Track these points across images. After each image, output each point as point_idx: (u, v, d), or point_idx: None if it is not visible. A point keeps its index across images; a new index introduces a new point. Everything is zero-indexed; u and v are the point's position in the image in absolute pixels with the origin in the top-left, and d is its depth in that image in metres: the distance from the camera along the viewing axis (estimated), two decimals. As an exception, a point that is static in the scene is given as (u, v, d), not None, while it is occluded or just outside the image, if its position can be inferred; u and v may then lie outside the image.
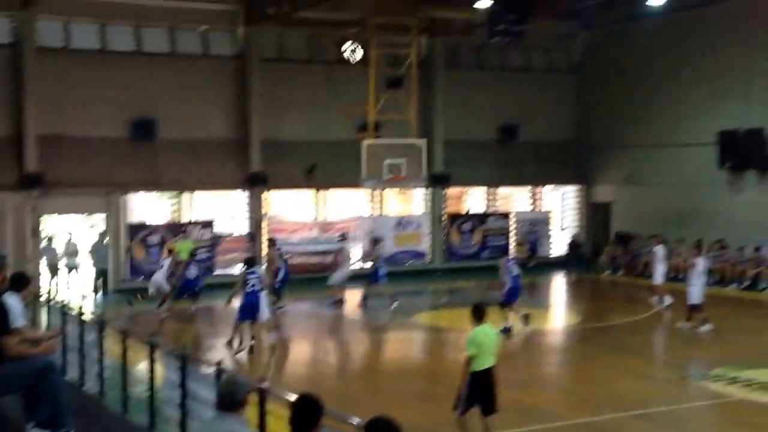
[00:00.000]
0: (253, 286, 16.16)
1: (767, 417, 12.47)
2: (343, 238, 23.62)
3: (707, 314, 18.51)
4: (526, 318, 18.56)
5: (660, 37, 28.20)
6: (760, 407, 12.77)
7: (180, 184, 26.12)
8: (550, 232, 31.21)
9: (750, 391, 13.54)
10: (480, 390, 10.18)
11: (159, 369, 10.68)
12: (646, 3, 25.21)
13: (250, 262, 17.00)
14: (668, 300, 21.11)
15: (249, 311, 16.19)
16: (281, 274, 20.57)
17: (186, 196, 26.41)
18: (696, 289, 18.60)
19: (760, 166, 25.00)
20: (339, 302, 22.34)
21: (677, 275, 23.65)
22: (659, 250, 21.69)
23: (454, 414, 10.32)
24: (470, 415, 10.33)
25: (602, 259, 28.85)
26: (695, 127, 27.00)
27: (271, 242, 22.07)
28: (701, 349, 17.18)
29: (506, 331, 17.59)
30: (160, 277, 19.87)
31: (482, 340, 10.24)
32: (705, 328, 18.29)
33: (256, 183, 26.76)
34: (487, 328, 10.42)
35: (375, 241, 23.94)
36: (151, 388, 10.53)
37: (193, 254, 22.23)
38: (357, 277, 22.95)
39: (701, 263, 19.02)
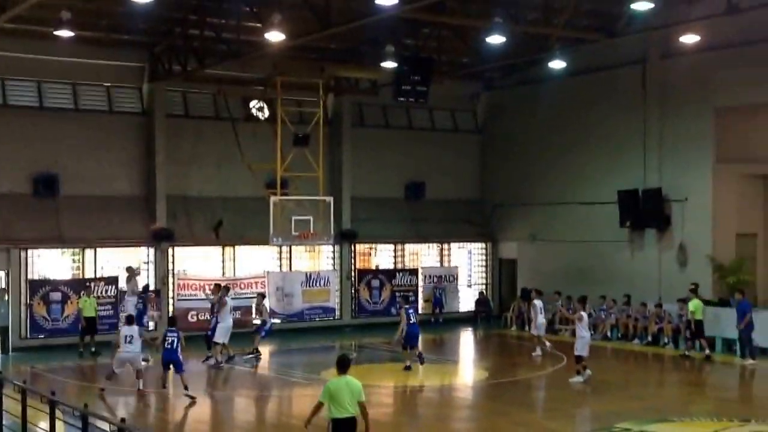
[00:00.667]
0: (171, 343, 17.78)
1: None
2: (225, 291, 23.05)
3: (586, 364, 18.99)
4: (408, 368, 20.64)
5: (561, 99, 29.11)
6: (664, 459, 12.95)
7: (83, 240, 25.47)
8: (458, 288, 31.45)
9: (654, 444, 13.75)
10: None
11: (60, 428, 10.24)
12: (548, 65, 25.99)
13: (172, 321, 18.69)
14: (540, 351, 22.83)
15: (168, 364, 18.00)
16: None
17: (89, 252, 25.75)
18: (582, 342, 18.97)
19: (659, 224, 25.81)
20: (230, 358, 21.94)
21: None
22: (538, 303, 23.06)
23: None
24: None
25: (508, 315, 29.20)
26: (596, 186, 27.80)
27: (261, 296, 23.79)
28: (607, 404, 17.40)
29: (408, 368, 20.60)
30: None
31: (335, 391, 10.67)
32: (577, 379, 18.75)
33: (161, 239, 26.28)
34: (346, 379, 10.82)
35: (261, 296, 23.92)
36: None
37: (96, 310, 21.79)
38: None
39: (585, 317, 19.46)
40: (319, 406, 10.82)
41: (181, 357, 17.89)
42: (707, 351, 22.27)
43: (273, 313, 27.21)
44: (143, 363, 18.83)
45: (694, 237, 25.08)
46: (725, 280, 24.15)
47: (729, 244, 25.06)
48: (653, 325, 24.85)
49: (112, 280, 25.33)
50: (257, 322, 23.45)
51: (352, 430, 10.75)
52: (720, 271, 24.46)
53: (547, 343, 23.08)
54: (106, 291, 25.11)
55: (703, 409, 16.78)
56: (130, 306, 22.70)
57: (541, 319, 23.02)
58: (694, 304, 22.52)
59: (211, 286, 24.11)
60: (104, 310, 24.77)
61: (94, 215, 25.58)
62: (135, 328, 18.48)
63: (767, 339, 22.25)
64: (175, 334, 17.88)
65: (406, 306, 21.62)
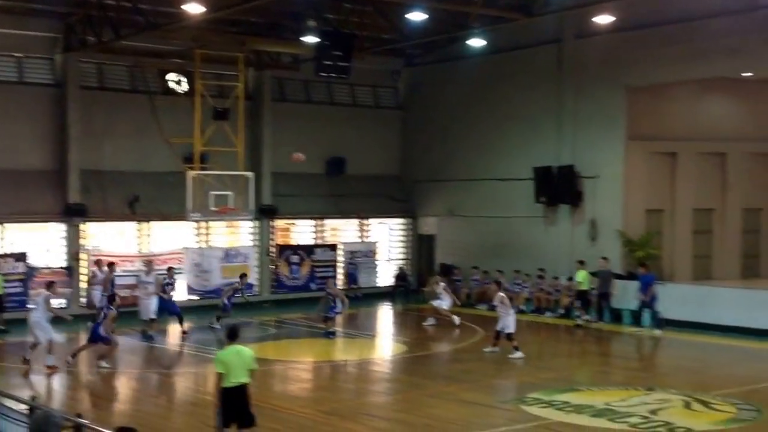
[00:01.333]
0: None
1: (581, 437, 13.11)
2: (149, 269, 22.97)
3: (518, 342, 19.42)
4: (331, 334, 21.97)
5: (480, 77, 29.47)
6: (575, 429, 13.38)
7: (-8, 215, 24.80)
8: (377, 264, 31.68)
9: (565, 414, 14.20)
10: (232, 405, 11.03)
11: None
12: (467, 43, 26.27)
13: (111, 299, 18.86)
14: (432, 320, 24.33)
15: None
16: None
17: (-1, 228, 25.11)
18: (510, 319, 19.39)
19: (572, 200, 26.44)
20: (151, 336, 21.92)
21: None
22: (440, 282, 24.58)
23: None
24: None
25: (427, 289, 29.57)
26: (513, 162, 28.29)
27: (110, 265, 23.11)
28: (519, 375, 17.89)
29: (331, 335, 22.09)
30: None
31: (229, 359, 11.06)
32: (518, 355, 19.13)
33: (73, 214, 25.77)
34: (237, 347, 11.21)
35: (169, 270, 23.69)
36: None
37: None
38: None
39: (504, 297, 19.90)
40: (220, 378, 11.08)
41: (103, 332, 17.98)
42: (587, 317, 23.67)
43: (192, 290, 27.20)
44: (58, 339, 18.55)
45: (605, 212, 25.81)
46: (634, 254, 24.93)
47: (638, 219, 25.86)
48: (565, 298, 25.56)
49: (22, 257, 24.68)
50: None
51: (242, 398, 11.06)
52: (629, 245, 25.24)
53: (431, 319, 24.36)
54: (15, 268, 24.43)
55: (610, 379, 17.45)
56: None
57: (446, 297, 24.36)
58: (581, 275, 23.60)
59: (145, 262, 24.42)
60: (13, 287, 24.18)
61: (2, 190, 24.82)
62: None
63: (672, 311, 23.16)
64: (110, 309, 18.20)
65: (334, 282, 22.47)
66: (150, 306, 22.25)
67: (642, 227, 25.75)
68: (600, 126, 26.00)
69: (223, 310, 23.36)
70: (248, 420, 11.13)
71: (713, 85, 26.19)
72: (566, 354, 21.55)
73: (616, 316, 24.22)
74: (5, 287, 23.64)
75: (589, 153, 26.19)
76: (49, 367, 17.62)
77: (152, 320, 22.22)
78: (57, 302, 21.92)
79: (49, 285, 19.61)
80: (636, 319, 23.39)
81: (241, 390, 11.03)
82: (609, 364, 19.93)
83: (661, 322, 22.79)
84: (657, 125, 25.90)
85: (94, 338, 18.13)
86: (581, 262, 24.26)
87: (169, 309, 22.80)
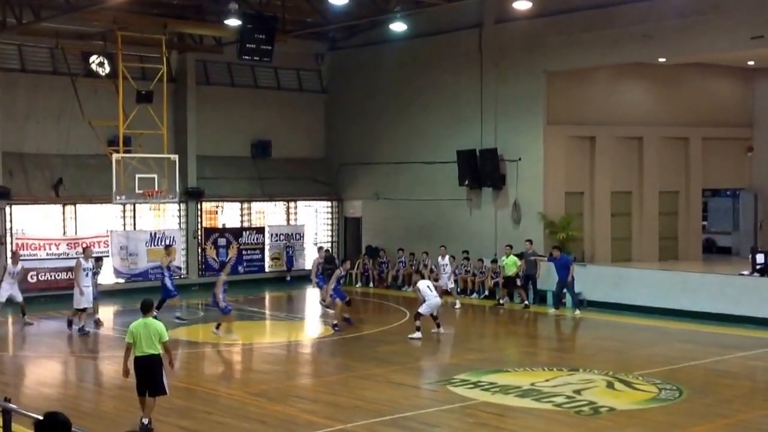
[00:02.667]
0: None
1: (507, 418, 13.42)
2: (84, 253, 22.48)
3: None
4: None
5: (403, 61, 29.76)
6: (501, 409, 13.72)
7: None
8: (304, 246, 31.88)
9: (492, 394, 14.55)
10: (141, 374, 11.95)
11: None
12: (390, 28, 26.52)
13: None
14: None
15: None
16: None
17: None
18: (433, 304, 19.81)
19: (495, 183, 27.00)
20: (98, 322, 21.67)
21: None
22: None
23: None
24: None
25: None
26: (437, 146, 28.70)
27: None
28: (447, 357, 18.34)
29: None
30: None
31: (137, 330, 11.98)
32: (417, 335, 19.57)
33: (-5, 198, 25.37)
34: (148, 320, 12.12)
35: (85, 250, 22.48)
36: None
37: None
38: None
39: (426, 284, 20.25)
40: (128, 348, 12.08)
41: None
42: (526, 302, 24.34)
43: (118, 273, 27.01)
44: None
45: (527, 195, 26.40)
46: (556, 236, 25.63)
47: (559, 202, 26.51)
48: (489, 279, 26.17)
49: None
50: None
51: (151, 367, 11.90)
52: (551, 227, 25.93)
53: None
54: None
55: (536, 360, 17.97)
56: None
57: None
58: (509, 261, 24.43)
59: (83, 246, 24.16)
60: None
61: None
62: None
63: (592, 292, 23.93)
64: None
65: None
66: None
67: (563, 210, 26.42)
68: (521, 110, 26.52)
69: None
70: (156, 388, 11.94)
71: (630, 71, 27.02)
72: (492, 335, 22.10)
73: (541, 298, 24.86)
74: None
75: (511, 136, 26.72)
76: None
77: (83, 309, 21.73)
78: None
79: None
80: (557, 300, 24.02)
81: (148, 360, 11.88)
82: (533, 345, 20.46)
83: (581, 303, 23.53)
84: (576, 110, 26.60)
85: None
86: (509, 247, 24.80)
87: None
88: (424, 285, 20.09)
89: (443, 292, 23.03)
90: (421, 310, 19.80)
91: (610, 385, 15.21)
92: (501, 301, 24.67)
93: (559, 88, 26.15)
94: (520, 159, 26.50)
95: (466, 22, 27.55)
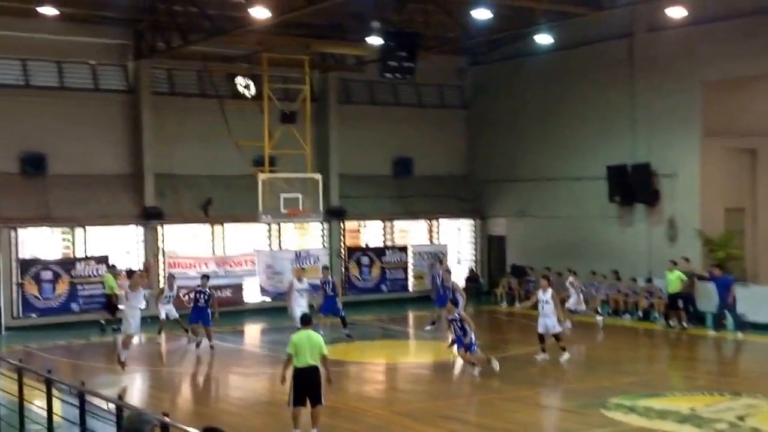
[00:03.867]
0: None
1: (665, 444, 12.73)
2: (205, 276, 22.15)
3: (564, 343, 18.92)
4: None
5: (548, 74, 29.01)
6: (658, 434, 13.02)
7: (72, 219, 25.38)
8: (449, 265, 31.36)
9: (648, 420, 13.80)
10: (301, 384, 12.16)
11: (57, 406, 10.21)
12: (534, 40, 25.87)
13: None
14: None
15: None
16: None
17: (79, 231, 25.61)
18: (551, 319, 18.73)
19: (647, 200, 25.83)
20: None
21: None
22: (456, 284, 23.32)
23: (288, 409, 12.32)
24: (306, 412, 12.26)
25: (498, 291, 29.24)
26: (585, 161, 27.76)
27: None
28: (598, 380, 17.44)
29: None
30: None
31: (299, 342, 12.24)
32: (543, 356, 18.71)
33: (150, 217, 26.18)
34: (308, 332, 12.37)
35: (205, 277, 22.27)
36: (50, 427, 10.05)
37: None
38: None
39: (547, 293, 19.01)
40: (288, 359, 12.36)
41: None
42: (683, 324, 22.86)
43: (264, 291, 27.35)
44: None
45: (683, 211, 25.14)
46: (714, 254, 24.23)
47: (717, 218, 25.14)
48: (643, 300, 24.96)
49: (103, 259, 25.25)
50: None
51: (311, 378, 12.16)
52: (709, 245, 24.53)
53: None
54: (97, 270, 25.03)
55: (694, 384, 16.93)
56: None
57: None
58: (673, 276, 22.98)
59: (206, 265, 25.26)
60: (95, 289, 24.85)
61: (81, 194, 25.49)
62: None
63: (756, 313, 22.45)
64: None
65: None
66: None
67: (721, 226, 25.01)
68: (675, 122, 25.36)
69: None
70: (316, 399, 12.19)
71: (792, 78, 25.35)
72: (646, 358, 21.01)
73: (699, 319, 23.51)
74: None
75: (664, 150, 25.56)
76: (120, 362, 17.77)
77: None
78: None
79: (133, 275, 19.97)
80: (717, 322, 22.68)
81: (309, 371, 12.11)
82: (692, 369, 19.33)
83: (744, 325, 22.11)
84: (735, 121, 25.13)
85: None
86: (674, 263, 23.44)
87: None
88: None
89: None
90: (556, 329, 18.87)
91: (776, 411, 14.23)
92: (671, 323, 23.27)
93: (716, 99, 24.83)
94: (675, 173, 25.25)
95: (615, 32, 26.60)
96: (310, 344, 12.19)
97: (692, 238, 24.77)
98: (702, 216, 24.87)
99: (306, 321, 12.79)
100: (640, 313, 24.93)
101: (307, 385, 12.15)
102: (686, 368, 19.36)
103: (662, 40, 25.67)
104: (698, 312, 23.53)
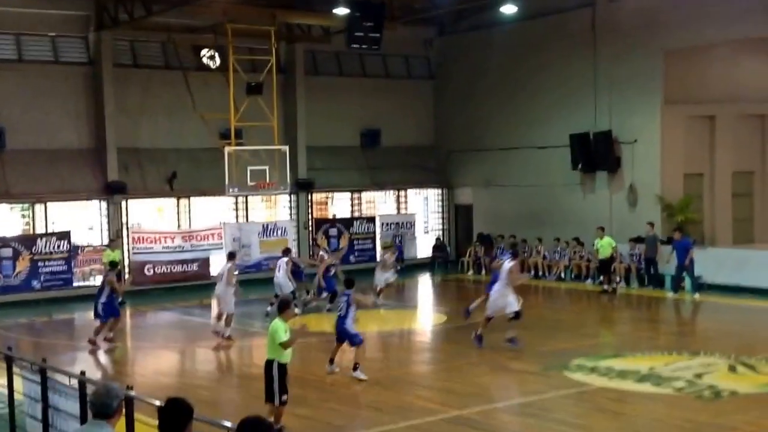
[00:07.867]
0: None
1: (626, 403, 13.08)
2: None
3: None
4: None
5: (513, 44, 29.14)
6: (619, 394, 13.39)
7: (32, 194, 24.99)
8: (415, 235, 31.64)
9: (609, 380, 14.15)
10: (265, 378, 11.40)
11: (18, 384, 10.24)
12: (500, 10, 25.98)
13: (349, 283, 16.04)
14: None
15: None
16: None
17: (39, 207, 25.33)
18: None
19: (609, 167, 26.16)
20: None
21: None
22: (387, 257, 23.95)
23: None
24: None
25: (465, 259, 29.53)
26: (549, 130, 28.00)
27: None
28: (561, 342, 17.78)
29: None
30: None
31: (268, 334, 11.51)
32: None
33: (113, 192, 25.97)
34: (273, 322, 11.51)
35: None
36: (11, 403, 10.10)
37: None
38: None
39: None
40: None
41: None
42: (611, 285, 23.78)
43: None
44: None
45: (644, 178, 25.52)
46: (674, 219, 24.66)
47: (677, 184, 25.55)
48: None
49: (65, 235, 24.92)
50: None
51: (266, 373, 11.33)
52: (668, 210, 24.95)
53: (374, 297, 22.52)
54: (58, 246, 24.66)
55: (654, 344, 17.32)
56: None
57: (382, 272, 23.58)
58: (603, 242, 23.72)
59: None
60: (57, 266, 24.57)
61: (41, 169, 25.08)
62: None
63: (713, 275, 22.93)
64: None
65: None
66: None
67: (681, 192, 25.43)
68: (637, 90, 25.64)
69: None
70: (268, 396, 11.33)
71: (752, 46, 25.68)
72: (608, 321, 21.43)
73: (659, 282, 23.97)
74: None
75: (626, 118, 25.87)
76: (227, 338, 18.20)
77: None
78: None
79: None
80: (676, 284, 23.12)
81: (266, 365, 11.41)
82: (652, 330, 19.75)
83: (701, 287, 22.59)
84: (694, 88, 25.48)
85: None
86: (602, 229, 24.21)
87: None
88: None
89: None
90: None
91: (732, 369, 14.68)
92: (605, 287, 23.83)
93: (676, 66, 25.14)
94: (636, 141, 25.59)
95: (578, 2, 26.83)
96: (270, 336, 11.39)
97: (652, 204, 25.18)
98: (662, 182, 25.28)
99: (278, 308, 11.74)
100: (602, 278, 25.33)
101: (266, 380, 11.36)
102: (646, 329, 19.77)
103: (624, 9, 25.91)
104: (658, 275, 24.00)
